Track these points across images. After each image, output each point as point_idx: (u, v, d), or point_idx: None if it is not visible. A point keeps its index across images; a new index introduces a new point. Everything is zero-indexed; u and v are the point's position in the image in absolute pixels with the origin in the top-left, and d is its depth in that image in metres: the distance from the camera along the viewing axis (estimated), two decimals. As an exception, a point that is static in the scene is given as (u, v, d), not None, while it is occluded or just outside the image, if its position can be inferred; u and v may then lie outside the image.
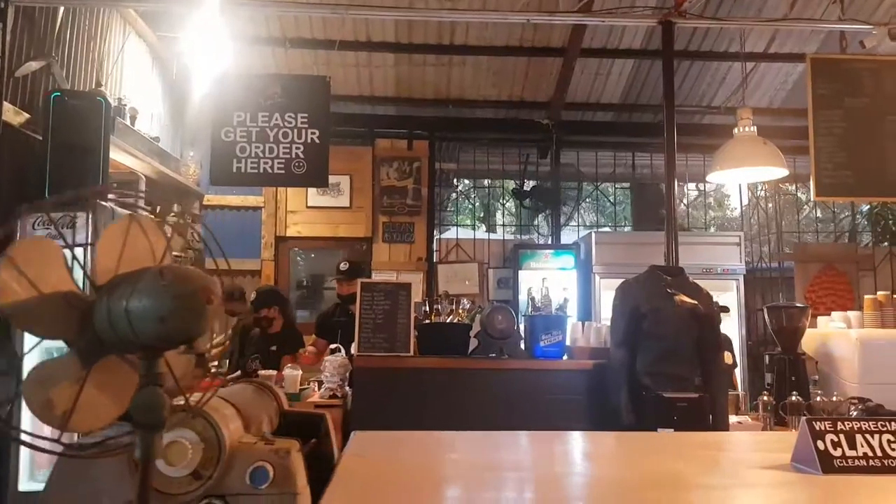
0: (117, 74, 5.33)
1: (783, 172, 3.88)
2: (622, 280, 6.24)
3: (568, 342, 3.84)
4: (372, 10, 4.57)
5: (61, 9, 4.47)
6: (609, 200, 8.12)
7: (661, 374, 3.33)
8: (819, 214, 9.00)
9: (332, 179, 6.95)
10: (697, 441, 1.58)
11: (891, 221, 7.77)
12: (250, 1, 5.08)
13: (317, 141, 3.92)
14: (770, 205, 8.40)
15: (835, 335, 3.89)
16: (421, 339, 3.75)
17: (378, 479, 1.12)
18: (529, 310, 3.81)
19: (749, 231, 7.74)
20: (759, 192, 8.15)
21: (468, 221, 8.21)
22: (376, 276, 6.89)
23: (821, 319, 4.20)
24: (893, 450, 1.25)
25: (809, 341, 4.08)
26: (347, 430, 3.68)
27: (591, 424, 3.47)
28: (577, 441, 1.75)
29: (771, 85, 7.06)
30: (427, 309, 3.88)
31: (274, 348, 4.30)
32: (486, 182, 8.04)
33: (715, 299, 3.95)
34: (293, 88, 4.00)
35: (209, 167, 4.07)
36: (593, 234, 6.28)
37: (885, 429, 1.28)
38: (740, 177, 4.18)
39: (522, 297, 6.37)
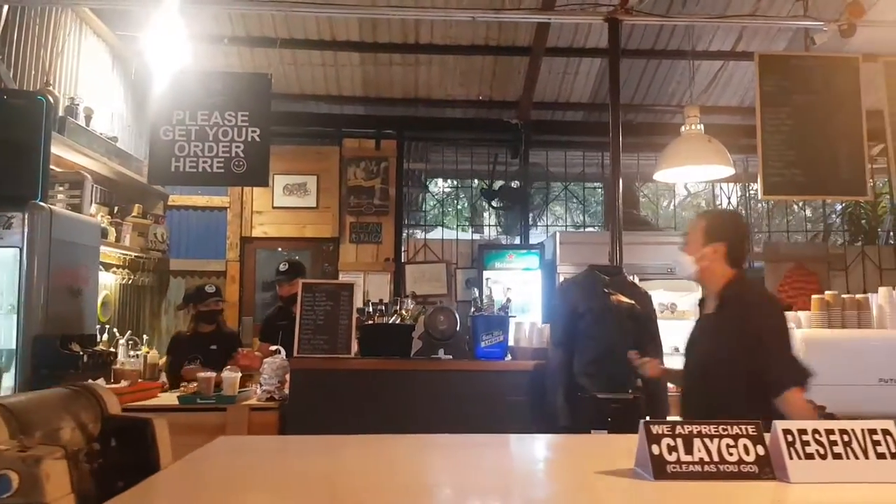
0: (71, 74, 5.28)
1: (728, 171, 3.84)
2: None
3: (512, 342, 3.79)
4: (314, 7, 4.51)
5: (5, 8, 4.42)
6: (577, 200, 8.07)
7: (599, 375, 3.29)
8: (808, 214, 8.98)
9: (298, 179, 6.99)
10: (555, 443, 1.54)
11: (864, 221, 7.74)
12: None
13: (257, 140, 3.87)
14: (762, 205, 8.38)
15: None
16: (363, 341, 3.71)
17: (173, 490, 1.07)
18: (472, 310, 3.76)
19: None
20: (749, 192, 8.12)
21: (451, 222, 8.14)
22: (343, 277, 6.86)
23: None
24: (731, 455, 1.21)
25: (758, 341, 4.03)
26: (285, 434, 3.65)
27: (533, 425, 3.43)
28: (460, 444, 1.69)
29: (741, 84, 7.02)
30: (370, 310, 3.83)
31: (214, 347, 4.24)
32: (456, 182, 8.02)
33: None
34: (234, 86, 3.95)
35: (147, 166, 4.00)
36: (557, 234, 6.24)
37: (725, 433, 1.24)
38: (685, 175, 4.14)
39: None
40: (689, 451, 1.21)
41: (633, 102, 7.23)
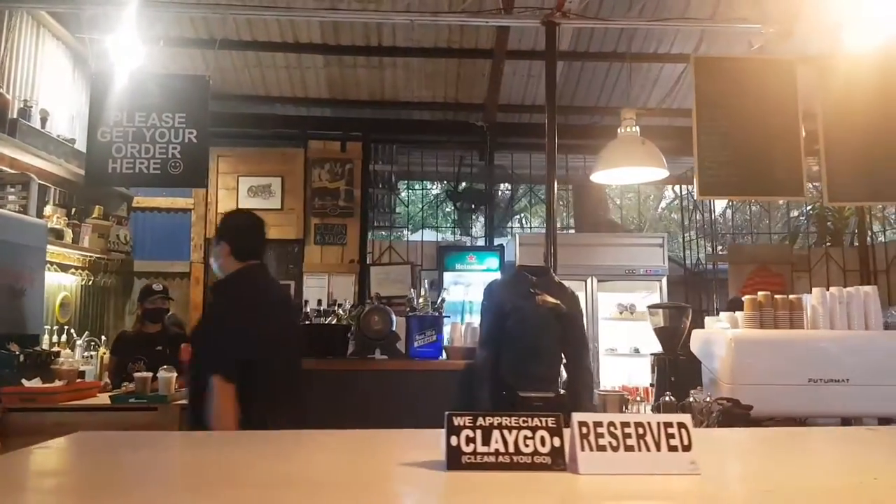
0: (27, 76, 5.30)
1: (663, 173, 3.86)
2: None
3: (447, 342, 3.82)
4: (253, 9, 4.52)
5: (-48, 10, 4.45)
6: (541, 200, 8.10)
7: (524, 374, 3.32)
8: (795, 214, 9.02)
9: (263, 181, 7.03)
10: (404, 437, 1.57)
11: (829, 223, 7.78)
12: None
13: (194, 141, 3.90)
14: (755, 207, 8.41)
15: (714, 335, 3.86)
16: (297, 341, 3.72)
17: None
18: (407, 310, 3.79)
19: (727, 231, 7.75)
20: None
21: (428, 224, 8.18)
22: (307, 279, 6.89)
23: (708, 319, 4.18)
24: (528, 446, 1.24)
25: (696, 341, 4.07)
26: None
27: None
28: (335, 439, 1.70)
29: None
30: (308, 311, 3.85)
31: (160, 348, 4.26)
32: (428, 185, 8.07)
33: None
34: (172, 88, 3.98)
35: (84, 168, 4.03)
36: (517, 236, 6.27)
37: (525, 425, 1.27)
38: (621, 177, 4.16)
39: (447, 299, 6.37)
40: (486, 442, 1.23)
41: (599, 105, 7.27)
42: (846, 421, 3.72)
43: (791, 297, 3.85)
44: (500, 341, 3.39)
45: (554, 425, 1.25)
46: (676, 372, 3.86)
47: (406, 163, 7.56)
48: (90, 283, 5.97)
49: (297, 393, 2.61)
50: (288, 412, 2.46)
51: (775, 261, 7.15)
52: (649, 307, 3.99)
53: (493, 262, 6.29)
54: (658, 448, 1.22)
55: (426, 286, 3.83)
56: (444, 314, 3.76)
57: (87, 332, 5.11)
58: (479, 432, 1.24)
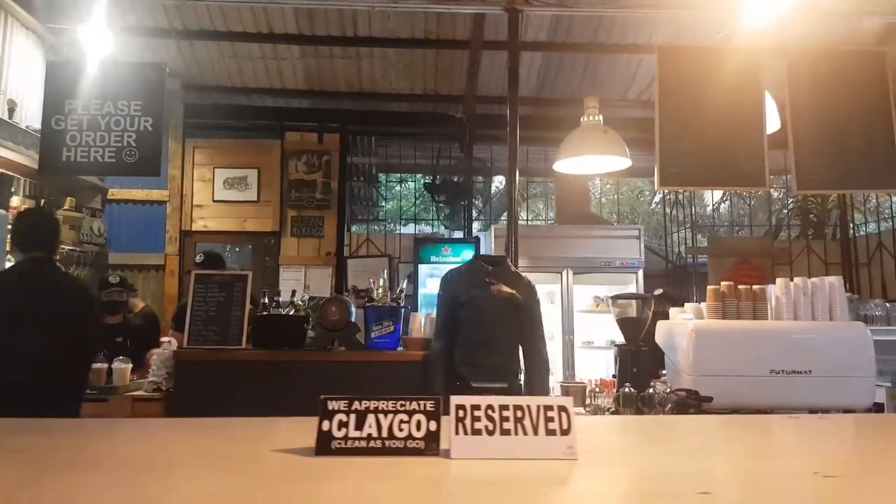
0: (-7, 66, 5.25)
1: (626, 163, 3.81)
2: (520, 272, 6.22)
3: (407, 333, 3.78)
4: None
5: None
6: (534, 194, 8.06)
7: (478, 365, 3.28)
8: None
9: (239, 173, 6.98)
10: (272, 424, 1.52)
11: (812, 216, 7.74)
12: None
13: (150, 129, 3.85)
14: (753, 202, 8.35)
15: (677, 326, 3.82)
16: (254, 332, 3.68)
17: None
18: (365, 300, 3.74)
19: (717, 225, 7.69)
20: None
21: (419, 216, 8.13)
22: (284, 271, 6.85)
23: (673, 310, 4.13)
24: (402, 430, 1.19)
25: (661, 332, 4.03)
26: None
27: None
28: (243, 426, 1.65)
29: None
30: (266, 301, 3.81)
31: (119, 339, 4.22)
32: (419, 176, 8.01)
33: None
34: (127, 76, 3.92)
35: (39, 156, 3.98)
36: (493, 228, 6.23)
37: (402, 409, 1.22)
38: (584, 166, 4.11)
39: (422, 291, 6.33)
40: (360, 426, 1.19)
41: (578, 97, 7.19)
42: (812, 413, 3.68)
43: (755, 287, 3.81)
44: (455, 331, 3.35)
45: (432, 409, 1.21)
46: (638, 363, 3.82)
47: (385, 155, 7.50)
48: (62, 275, 5.91)
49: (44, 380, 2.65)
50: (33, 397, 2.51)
51: (756, 254, 7.11)
52: (612, 298, 3.95)
53: (468, 254, 6.24)
54: (536, 432, 1.17)
55: (390, 278, 3.77)
56: (403, 305, 3.71)
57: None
58: (353, 416, 1.20)
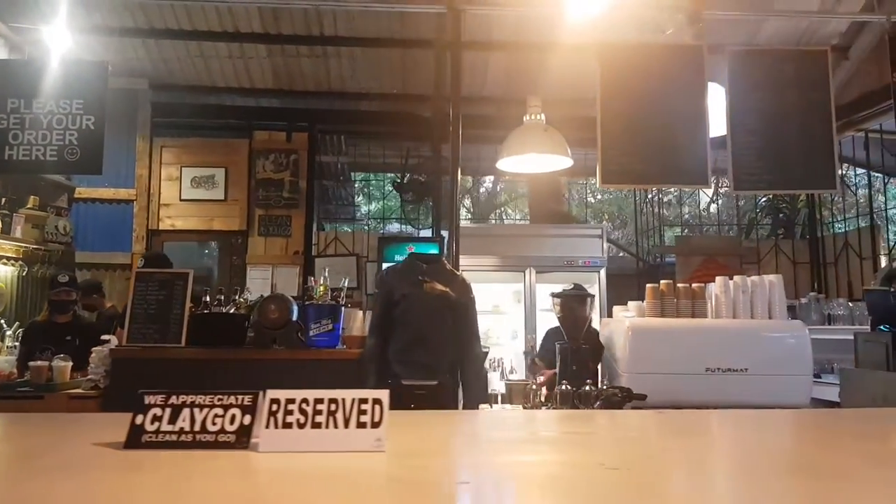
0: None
1: (567, 162, 3.82)
2: (482, 271, 6.24)
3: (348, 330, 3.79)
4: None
5: None
6: (520, 194, 8.06)
7: (411, 362, 3.29)
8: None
9: (206, 172, 6.98)
10: (112, 419, 1.53)
11: (782, 216, 7.75)
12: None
13: (91, 128, 3.85)
14: (743, 202, 8.34)
15: (615, 324, 3.84)
16: (192, 331, 3.68)
17: None
18: (305, 298, 3.75)
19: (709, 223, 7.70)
20: (721, 188, 8.11)
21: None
22: (251, 271, 6.86)
23: (615, 308, 4.15)
24: (215, 424, 1.20)
25: (603, 330, 4.04)
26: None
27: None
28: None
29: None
30: (208, 299, 3.81)
31: (69, 338, 4.22)
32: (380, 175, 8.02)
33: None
34: (70, 74, 3.93)
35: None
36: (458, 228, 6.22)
37: (218, 403, 1.23)
38: (527, 165, 4.11)
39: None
40: (173, 420, 1.20)
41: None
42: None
43: (694, 286, 3.82)
44: (390, 329, 3.35)
45: (249, 403, 1.22)
46: (578, 360, 3.83)
47: (355, 154, 7.51)
48: (25, 273, 5.92)
49: None
50: None
51: (723, 252, 7.13)
52: (552, 295, 3.96)
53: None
54: (347, 425, 1.18)
55: (357, 276, 3.78)
56: (343, 303, 3.72)
57: (16, 323, 5.09)
58: (168, 410, 1.21)
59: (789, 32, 6.61)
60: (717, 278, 3.83)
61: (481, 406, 3.63)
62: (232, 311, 3.77)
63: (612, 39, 3.97)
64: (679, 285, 3.78)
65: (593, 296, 3.95)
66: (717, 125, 4.23)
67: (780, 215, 7.68)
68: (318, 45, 6.64)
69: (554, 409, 3.55)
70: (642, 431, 1.52)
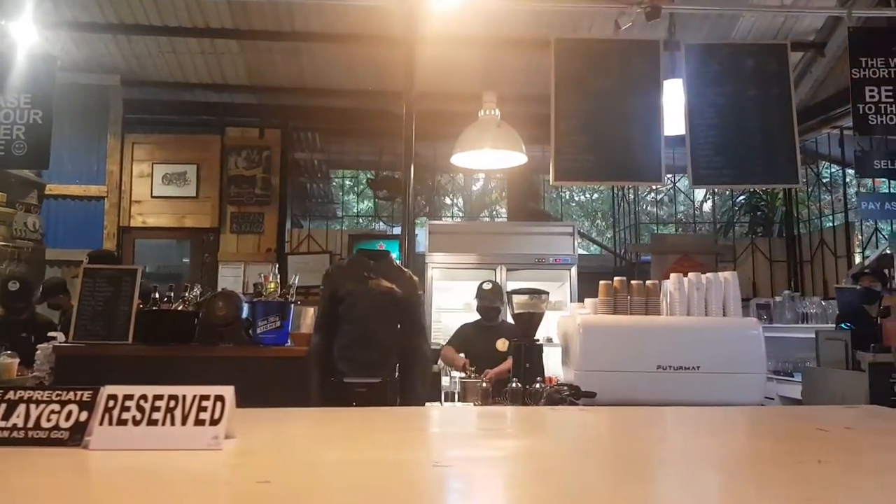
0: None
1: (521, 158, 3.77)
2: (453, 269, 6.20)
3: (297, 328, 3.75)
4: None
5: None
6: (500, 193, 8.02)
7: (354, 360, 3.25)
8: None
9: (178, 169, 6.94)
10: None
11: (760, 213, 7.71)
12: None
13: (39, 122, 3.81)
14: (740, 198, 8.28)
15: (569, 321, 3.80)
16: (139, 327, 3.64)
17: None
18: (253, 295, 3.71)
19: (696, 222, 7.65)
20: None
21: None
22: (223, 268, 6.82)
23: (571, 305, 4.11)
24: (50, 420, 1.16)
25: (559, 328, 4.01)
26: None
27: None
28: None
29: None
30: (157, 296, 3.78)
31: (24, 335, 4.19)
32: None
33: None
34: (17, 67, 3.89)
35: None
36: (427, 224, 6.19)
37: (56, 399, 1.19)
38: (481, 161, 4.06)
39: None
40: (7, 416, 1.16)
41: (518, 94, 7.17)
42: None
43: (648, 283, 3.78)
44: (335, 326, 3.31)
45: (87, 399, 1.18)
46: (531, 358, 3.79)
47: (330, 151, 7.47)
48: (-8, 270, 5.88)
49: None
50: None
51: (698, 251, 7.09)
52: (508, 293, 3.92)
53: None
54: (185, 422, 1.14)
55: (274, 270, 3.75)
56: (291, 300, 3.68)
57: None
58: (2, 406, 1.17)
59: (765, 29, 6.57)
60: (672, 275, 3.79)
61: (429, 404, 3.60)
62: (180, 307, 3.72)
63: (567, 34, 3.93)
64: (633, 282, 3.73)
65: (547, 293, 3.92)
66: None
67: (759, 213, 7.64)
68: (290, 41, 6.60)
69: (504, 406, 3.52)
70: (523, 427, 1.49)
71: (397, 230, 7.35)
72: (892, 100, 4.01)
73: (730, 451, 1.18)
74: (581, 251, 10.19)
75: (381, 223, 7.53)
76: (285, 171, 6.98)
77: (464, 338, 4.75)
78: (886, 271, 5.31)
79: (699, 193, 13.79)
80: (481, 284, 4.59)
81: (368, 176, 7.25)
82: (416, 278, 3.47)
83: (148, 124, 7.00)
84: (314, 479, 0.95)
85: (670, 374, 3.55)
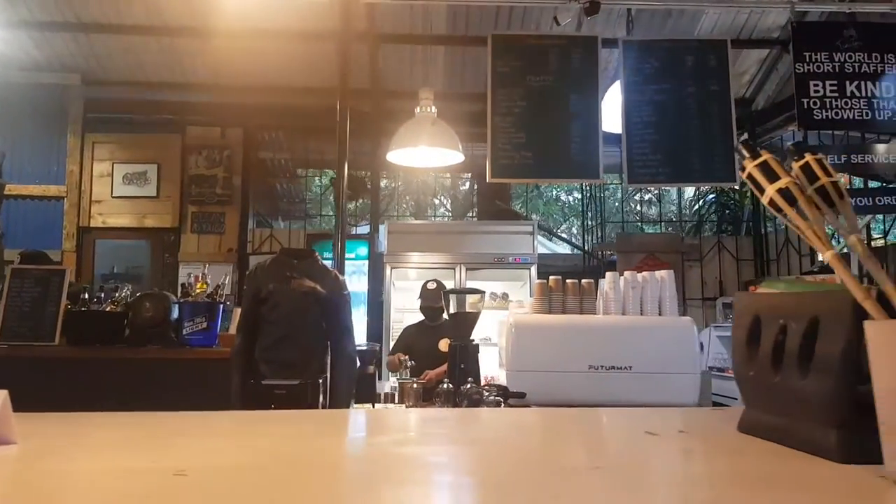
0: None
1: (458, 157, 3.71)
2: (412, 269, 6.15)
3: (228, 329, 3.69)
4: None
5: None
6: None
7: (275, 361, 3.20)
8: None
9: (138, 168, 6.88)
10: None
11: (728, 212, 7.66)
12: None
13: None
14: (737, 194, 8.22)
15: (504, 321, 3.75)
16: (65, 328, 3.60)
17: None
18: (179, 296, 3.66)
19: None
20: (701, 188, 8.02)
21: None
22: (183, 268, 6.76)
23: (511, 304, 4.05)
24: None
25: (497, 328, 3.95)
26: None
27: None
28: None
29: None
30: (87, 297, 3.72)
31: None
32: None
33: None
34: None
35: None
36: (386, 224, 6.14)
37: None
38: (417, 158, 4.00)
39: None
40: None
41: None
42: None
43: (583, 282, 3.73)
44: (257, 327, 3.26)
45: None
46: (467, 359, 3.75)
47: (295, 150, 7.41)
48: (-54, 271, 5.83)
49: None
50: None
51: (664, 250, 7.04)
52: (444, 293, 3.87)
53: (362, 250, 6.17)
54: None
55: (205, 271, 3.70)
56: (220, 301, 3.63)
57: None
58: None
59: (728, 27, 6.53)
60: (608, 274, 3.74)
61: (359, 406, 3.55)
62: (108, 309, 3.67)
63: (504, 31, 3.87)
64: (568, 281, 3.68)
65: (483, 292, 3.88)
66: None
67: (727, 211, 7.59)
68: (249, 38, 6.55)
69: (438, 407, 3.48)
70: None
71: (363, 229, 7.31)
72: (836, 94, 3.96)
73: (495, 457, 1.13)
74: (563, 250, 10.15)
75: (347, 223, 7.46)
76: (248, 171, 6.93)
77: (407, 340, 4.71)
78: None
79: (688, 191, 13.79)
80: (425, 284, 4.55)
81: (332, 175, 7.18)
82: (342, 278, 3.42)
83: (108, 123, 6.95)
84: (31, 489, 0.90)
85: (602, 375, 3.50)
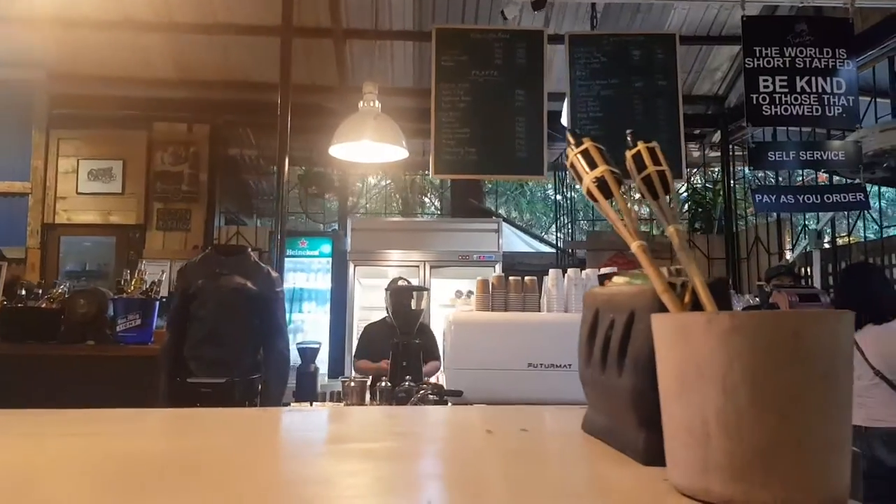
0: None
1: (402, 153, 3.66)
2: (374, 267, 6.10)
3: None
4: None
5: None
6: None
7: (202, 359, 3.16)
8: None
9: (103, 165, 6.83)
10: None
11: (700, 210, 7.62)
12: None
13: None
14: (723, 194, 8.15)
15: (444, 318, 3.70)
16: (1, 325, 3.55)
17: None
18: (114, 292, 3.61)
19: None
20: (695, 184, 7.97)
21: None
22: (149, 265, 6.69)
23: (457, 302, 4.01)
24: None
25: (444, 325, 3.90)
26: None
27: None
28: None
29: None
30: (23, 293, 3.67)
31: None
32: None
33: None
34: None
35: None
36: (349, 221, 6.09)
37: None
38: (360, 153, 3.95)
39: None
40: None
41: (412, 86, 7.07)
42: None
43: (526, 279, 3.68)
44: (186, 324, 3.21)
45: None
46: (409, 356, 3.71)
47: (264, 147, 7.35)
48: None
49: None
50: None
51: (634, 247, 6.98)
52: (386, 289, 3.82)
53: (326, 247, 6.13)
54: None
55: (141, 267, 3.65)
56: (155, 297, 3.58)
57: None
58: None
59: (697, 23, 6.49)
60: (551, 272, 3.69)
61: (295, 405, 3.51)
62: (44, 305, 3.62)
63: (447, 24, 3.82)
64: (511, 278, 3.64)
65: (427, 289, 3.83)
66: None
67: (699, 209, 7.55)
68: (215, 34, 6.50)
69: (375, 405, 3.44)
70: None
71: (332, 226, 7.26)
72: (786, 90, 3.91)
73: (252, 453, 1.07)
74: (545, 248, 10.07)
75: (314, 220, 7.41)
76: (215, 168, 6.87)
77: (369, 340, 4.65)
78: (805, 270, 5.23)
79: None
80: (394, 280, 4.50)
81: (299, 172, 7.12)
82: (275, 275, 3.37)
83: (74, 119, 6.89)
84: None
85: (540, 372, 3.45)
